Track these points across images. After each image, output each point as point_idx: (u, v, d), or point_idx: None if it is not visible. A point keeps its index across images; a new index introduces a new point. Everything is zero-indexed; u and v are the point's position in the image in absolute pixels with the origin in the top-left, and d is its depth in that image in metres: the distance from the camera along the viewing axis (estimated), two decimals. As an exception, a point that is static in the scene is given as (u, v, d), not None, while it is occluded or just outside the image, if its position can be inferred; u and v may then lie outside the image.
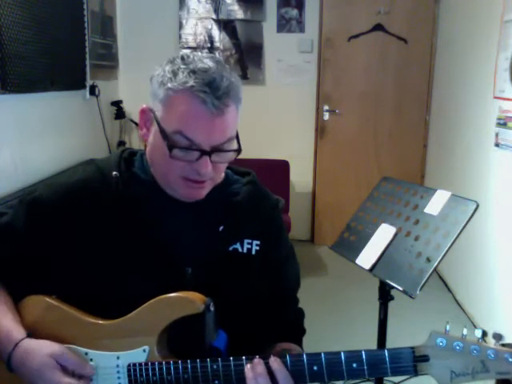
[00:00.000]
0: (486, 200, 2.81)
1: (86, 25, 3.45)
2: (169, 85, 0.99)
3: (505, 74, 2.71)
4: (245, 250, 1.11)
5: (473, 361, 0.85)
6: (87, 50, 3.48)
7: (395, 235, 1.68)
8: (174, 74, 0.99)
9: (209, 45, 4.29)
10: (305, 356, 0.93)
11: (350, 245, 1.79)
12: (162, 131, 1.00)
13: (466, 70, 3.42)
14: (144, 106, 1.06)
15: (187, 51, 3.72)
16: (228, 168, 1.19)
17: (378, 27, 4.17)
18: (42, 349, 0.98)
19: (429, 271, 1.51)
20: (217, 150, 1.00)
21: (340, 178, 4.42)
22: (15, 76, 2.52)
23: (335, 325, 3.06)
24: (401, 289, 1.56)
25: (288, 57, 4.30)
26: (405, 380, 2.43)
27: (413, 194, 1.75)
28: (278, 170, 4.06)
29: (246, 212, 1.12)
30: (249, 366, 0.93)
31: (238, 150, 1.04)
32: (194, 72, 0.98)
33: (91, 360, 1.00)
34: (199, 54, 1.03)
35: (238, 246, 1.11)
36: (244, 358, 0.94)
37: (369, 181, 4.13)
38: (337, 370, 0.91)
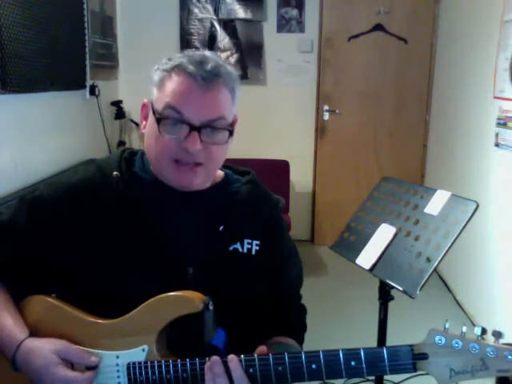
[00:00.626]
0: (486, 200, 2.81)
1: (86, 25, 3.45)
2: (161, 67, 1.04)
3: (505, 74, 2.71)
4: (245, 250, 1.11)
5: (472, 358, 0.85)
6: (87, 50, 3.48)
7: (395, 235, 1.68)
8: (170, 59, 1.05)
9: (209, 45, 4.28)
10: (303, 354, 0.92)
11: (350, 245, 1.79)
12: (154, 111, 1.03)
13: (466, 70, 3.42)
14: (145, 100, 1.10)
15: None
16: (228, 168, 1.20)
17: (378, 27, 4.17)
18: (45, 346, 0.99)
19: (429, 271, 1.51)
20: (206, 126, 1.01)
21: (340, 178, 4.42)
22: (15, 76, 2.52)
23: (335, 325, 3.06)
24: (401, 289, 1.56)
25: (288, 57, 4.30)
26: (405, 380, 2.43)
27: (413, 193, 1.75)
28: (278, 169, 4.06)
29: (245, 212, 1.12)
30: (208, 365, 0.93)
31: (230, 131, 1.05)
32: (188, 56, 1.03)
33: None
34: (200, 51, 1.08)
35: (238, 245, 1.11)
36: (242, 356, 0.94)
37: (369, 181, 4.13)
38: (335, 368, 0.91)
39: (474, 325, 3.03)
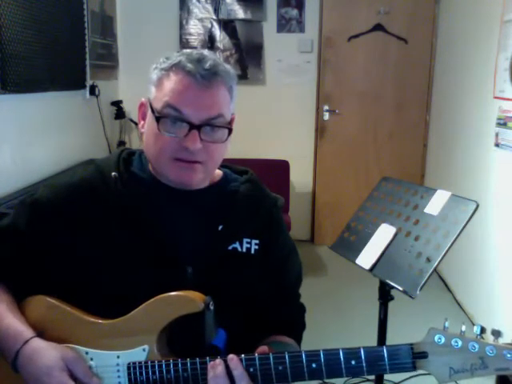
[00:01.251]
0: (486, 200, 2.82)
1: (86, 25, 3.45)
2: (159, 66, 1.04)
3: (505, 73, 2.71)
4: (244, 250, 1.11)
5: (471, 357, 0.85)
6: (87, 50, 3.48)
7: (395, 235, 1.68)
8: (167, 58, 1.05)
9: (209, 45, 4.28)
10: (303, 353, 0.93)
11: (350, 245, 1.79)
12: (152, 109, 1.03)
13: (466, 70, 3.42)
14: (143, 99, 1.10)
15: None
16: (226, 167, 1.20)
17: (378, 27, 4.17)
18: (54, 350, 0.99)
19: (429, 271, 1.51)
20: (206, 124, 1.01)
21: (340, 178, 4.42)
22: (15, 76, 2.52)
23: (335, 325, 3.06)
24: (401, 289, 1.56)
25: (288, 57, 4.31)
26: (405, 380, 2.44)
27: (413, 193, 1.75)
28: (278, 170, 4.06)
29: (244, 211, 1.12)
30: (211, 364, 0.93)
31: (229, 129, 1.05)
32: (186, 55, 1.03)
33: (91, 359, 1.00)
34: (198, 49, 1.08)
35: (237, 245, 1.11)
36: (243, 355, 0.94)
37: (369, 181, 4.13)
38: (335, 367, 0.91)
39: (473, 325, 3.02)
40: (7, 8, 2.43)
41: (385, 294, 1.75)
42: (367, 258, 1.69)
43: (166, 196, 1.09)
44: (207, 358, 0.95)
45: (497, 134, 2.80)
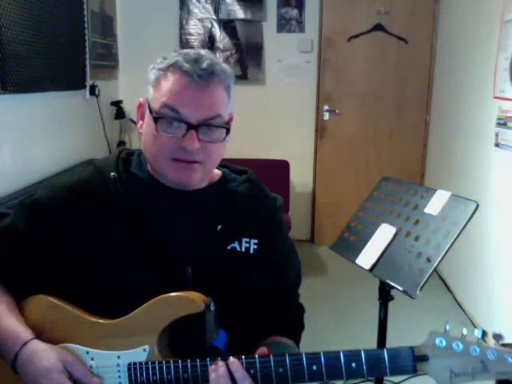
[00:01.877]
0: (486, 200, 2.82)
1: (86, 25, 3.45)
2: (157, 66, 1.04)
3: (505, 73, 2.71)
4: (243, 249, 1.11)
5: (472, 361, 0.85)
6: (87, 50, 3.48)
7: (395, 235, 1.68)
8: (165, 58, 1.05)
9: (209, 45, 4.28)
10: (304, 355, 0.93)
11: (350, 245, 1.79)
12: (150, 109, 1.03)
13: (466, 69, 3.42)
14: (141, 99, 1.10)
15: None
16: (225, 167, 1.20)
17: (378, 27, 4.17)
18: (53, 352, 0.99)
19: (429, 271, 1.52)
20: (204, 124, 1.01)
21: (340, 178, 4.42)
22: (15, 76, 2.52)
23: (335, 325, 3.06)
24: (401, 289, 1.56)
25: (288, 57, 4.31)
26: (405, 380, 2.43)
27: (413, 193, 1.75)
28: (278, 169, 4.06)
29: (243, 210, 1.12)
30: (213, 367, 0.93)
31: (227, 129, 1.05)
32: (183, 54, 1.03)
33: (92, 359, 1.00)
34: (195, 49, 1.07)
35: (236, 244, 1.11)
36: (243, 357, 0.94)
37: (369, 181, 4.13)
38: (336, 369, 0.91)
39: (473, 325, 3.03)
40: (7, 8, 2.43)
41: (385, 294, 1.75)
42: (367, 257, 1.69)
43: (164, 196, 1.09)
44: (208, 358, 0.95)
45: (497, 134, 2.80)
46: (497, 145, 2.81)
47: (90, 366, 1.00)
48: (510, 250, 2.67)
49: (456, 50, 3.69)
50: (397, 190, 1.82)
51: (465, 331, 0.87)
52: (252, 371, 0.93)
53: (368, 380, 2.37)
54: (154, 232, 1.07)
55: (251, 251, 1.11)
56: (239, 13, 4.23)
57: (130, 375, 0.99)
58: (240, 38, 4.28)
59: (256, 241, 1.12)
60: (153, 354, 0.98)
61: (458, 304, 3.38)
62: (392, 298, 1.76)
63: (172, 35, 4.30)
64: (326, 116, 4.33)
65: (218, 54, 4.16)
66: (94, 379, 0.99)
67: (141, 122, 1.10)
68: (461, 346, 0.86)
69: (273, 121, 4.37)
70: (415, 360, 0.88)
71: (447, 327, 0.88)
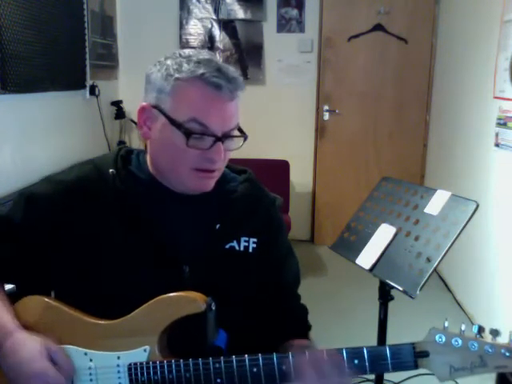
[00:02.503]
0: (486, 200, 2.81)
1: (86, 25, 3.46)
2: (177, 75, 1.00)
3: (505, 73, 2.71)
4: (242, 248, 1.11)
5: (471, 356, 0.87)
6: (87, 50, 3.48)
7: (395, 235, 1.68)
8: (179, 65, 1.01)
9: (209, 45, 4.29)
10: (307, 354, 0.93)
11: (350, 245, 1.79)
12: (174, 122, 1.00)
13: (466, 69, 3.42)
14: (143, 103, 1.05)
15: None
16: (225, 166, 1.20)
17: (378, 27, 4.17)
18: (37, 340, 0.98)
19: (429, 271, 1.52)
20: (227, 135, 1.02)
21: (340, 178, 4.42)
22: (15, 76, 2.52)
23: (335, 325, 3.06)
24: (401, 289, 1.56)
25: (288, 57, 4.31)
26: (404, 380, 2.44)
27: (413, 193, 1.75)
28: (278, 169, 4.06)
29: (242, 210, 1.12)
30: (302, 358, 0.92)
31: (245, 137, 1.06)
32: (199, 62, 1.00)
33: (91, 360, 1.00)
34: (193, 50, 1.06)
35: (234, 244, 1.11)
36: (246, 356, 0.94)
37: (369, 181, 4.13)
38: None
39: (473, 325, 3.02)
40: (7, 8, 2.43)
41: (385, 294, 1.75)
42: (367, 257, 1.69)
43: (163, 195, 1.08)
44: (210, 358, 0.95)
45: (497, 134, 2.80)
46: (497, 145, 2.81)
47: (89, 368, 1.00)
48: (510, 249, 2.67)
49: (456, 50, 3.69)
50: (397, 190, 1.82)
51: (463, 327, 0.89)
52: (255, 369, 0.93)
53: (368, 380, 2.37)
54: (154, 231, 1.06)
55: (250, 250, 1.11)
56: (239, 13, 4.23)
57: (130, 375, 0.98)
58: (240, 38, 4.28)
59: (255, 240, 1.12)
60: (153, 355, 0.98)
61: (458, 304, 3.38)
62: (392, 298, 1.76)
63: (172, 35, 4.30)
64: (326, 116, 4.33)
65: (218, 54, 4.17)
66: (67, 371, 0.98)
67: (145, 129, 1.06)
68: (460, 341, 0.88)
69: (273, 121, 4.37)
70: (416, 356, 0.89)
71: (446, 324, 0.90)
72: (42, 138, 2.96)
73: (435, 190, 1.70)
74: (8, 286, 1.14)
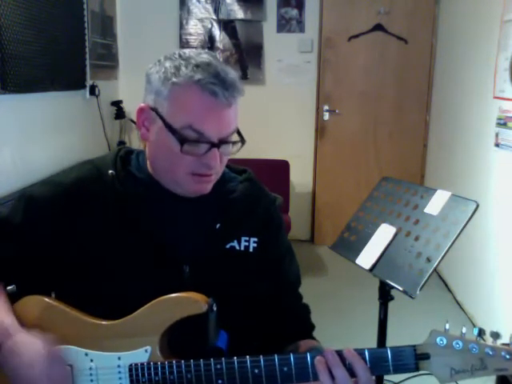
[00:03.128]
0: (486, 200, 2.82)
1: (86, 25, 3.45)
2: (174, 79, 0.98)
3: (505, 73, 2.71)
4: (242, 248, 1.11)
5: (472, 358, 0.87)
6: (87, 50, 3.48)
7: (395, 235, 1.69)
8: (177, 68, 0.99)
9: (209, 45, 4.29)
10: (308, 355, 0.93)
11: (350, 245, 1.79)
12: (170, 127, 0.99)
13: (466, 70, 3.42)
14: (142, 104, 1.05)
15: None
16: (225, 166, 1.20)
17: (378, 27, 4.17)
18: (37, 343, 0.97)
19: (429, 271, 1.52)
20: (224, 141, 1.01)
21: (340, 178, 4.42)
22: (15, 76, 2.52)
23: (335, 325, 3.06)
24: (401, 289, 1.56)
25: (288, 57, 4.31)
26: (404, 380, 2.44)
27: (413, 193, 1.75)
28: (278, 169, 4.07)
29: (242, 209, 1.12)
30: (318, 358, 0.91)
31: (243, 142, 1.05)
32: (197, 66, 0.98)
33: (91, 361, 1.00)
34: (194, 50, 1.04)
35: (235, 243, 1.11)
36: (248, 357, 0.94)
37: (369, 181, 4.13)
38: None
39: (474, 325, 3.03)
40: (7, 8, 2.43)
41: (385, 294, 1.75)
42: (367, 257, 1.69)
43: (163, 195, 1.08)
44: (211, 359, 0.95)
45: (497, 134, 2.80)
46: (497, 145, 2.81)
47: (90, 368, 1.00)
48: (510, 249, 2.67)
49: (456, 49, 3.69)
50: (397, 190, 1.82)
51: (464, 330, 0.89)
52: (256, 370, 0.93)
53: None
54: (153, 232, 1.06)
55: (251, 249, 1.11)
56: (239, 13, 4.23)
57: (131, 376, 0.98)
58: (240, 38, 4.28)
59: (255, 239, 1.12)
60: (154, 355, 0.98)
61: (458, 304, 3.38)
62: (392, 298, 1.76)
63: (172, 35, 4.30)
64: (326, 116, 4.33)
65: (218, 54, 4.16)
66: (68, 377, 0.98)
67: (144, 130, 1.05)
68: (461, 344, 0.88)
69: (273, 121, 4.37)
70: (417, 358, 0.89)
71: (447, 326, 0.90)
72: (41, 138, 2.96)
73: (435, 190, 1.70)
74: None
